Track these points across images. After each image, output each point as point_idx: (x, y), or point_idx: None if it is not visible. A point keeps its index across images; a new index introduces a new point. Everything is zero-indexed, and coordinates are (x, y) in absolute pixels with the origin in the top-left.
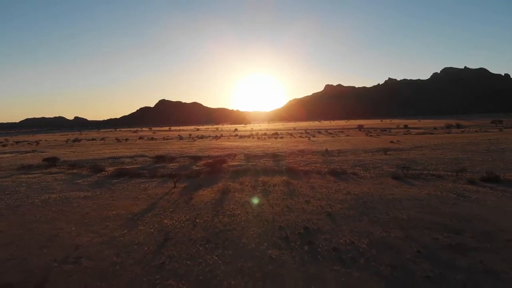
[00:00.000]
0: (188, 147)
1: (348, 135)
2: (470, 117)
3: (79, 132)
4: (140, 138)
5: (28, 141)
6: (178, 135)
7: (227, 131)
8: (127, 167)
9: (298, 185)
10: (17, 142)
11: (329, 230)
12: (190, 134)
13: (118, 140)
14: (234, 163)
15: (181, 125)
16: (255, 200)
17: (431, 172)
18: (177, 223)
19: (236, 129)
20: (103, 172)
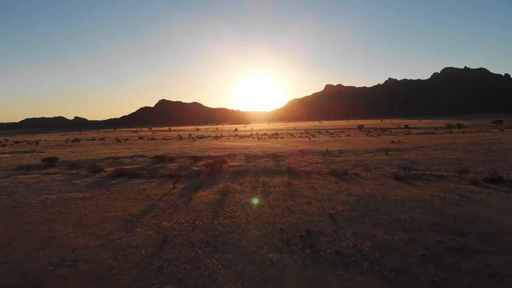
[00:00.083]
0: (188, 147)
1: (348, 135)
2: (470, 117)
3: (79, 132)
4: (140, 138)
5: (27, 141)
6: (178, 135)
7: (227, 131)
8: (126, 167)
9: (299, 186)
10: (16, 142)
11: (331, 233)
12: (190, 134)
13: (117, 140)
14: (234, 164)
15: (181, 125)
16: (256, 201)
17: (433, 172)
18: (176, 225)
19: (236, 129)
20: (102, 173)
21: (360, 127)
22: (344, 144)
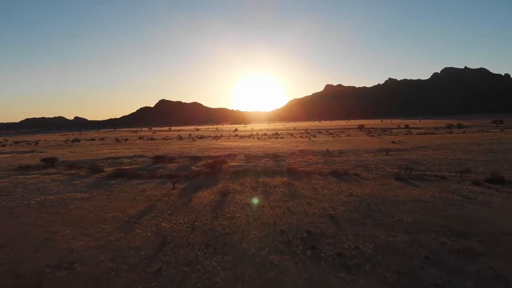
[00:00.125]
0: (188, 147)
1: (349, 135)
2: (470, 117)
3: (79, 132)
4: (140, 138)
5: (27, 141)
6: (178, 135)
7: (227, 131)
8: (125, 167)
9: (299, 186)
10: (16, 142)
11: (333, 234)
12: (190, 134)
13: (117, 140)
14: (234, 164)
15: (181, 125)
16: (256, 202)
17: (434, 173)
18: (175, 226)
19: (236, 129)
20: (101, 173)
21: (361, 127)
22: (344, 144)
